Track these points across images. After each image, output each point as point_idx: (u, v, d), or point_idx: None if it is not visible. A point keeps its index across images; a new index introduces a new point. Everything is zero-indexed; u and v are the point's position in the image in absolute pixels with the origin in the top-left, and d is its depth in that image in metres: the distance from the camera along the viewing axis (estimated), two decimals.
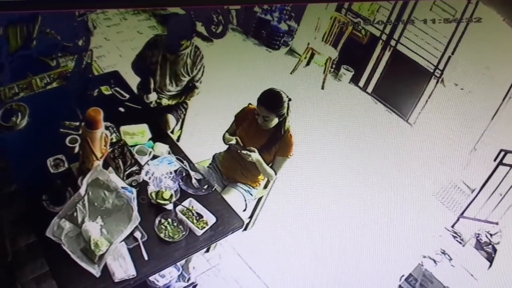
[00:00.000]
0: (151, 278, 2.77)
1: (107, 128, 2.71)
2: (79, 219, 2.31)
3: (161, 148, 2.90)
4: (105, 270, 2.24)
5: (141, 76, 3.40)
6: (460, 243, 3.93)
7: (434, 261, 3.51)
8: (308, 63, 5.52)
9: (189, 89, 3.45)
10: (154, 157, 2.83)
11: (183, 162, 2.87)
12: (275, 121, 2.83)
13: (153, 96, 3.31)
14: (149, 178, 2.69)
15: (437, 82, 5.00)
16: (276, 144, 2.90)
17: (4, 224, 2.72)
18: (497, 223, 4.06)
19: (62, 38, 3.65)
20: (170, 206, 2.60)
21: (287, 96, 2.82)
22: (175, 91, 3.42)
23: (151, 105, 3.31)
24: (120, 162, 2.59)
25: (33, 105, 2.92)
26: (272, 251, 3.45)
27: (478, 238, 3.96)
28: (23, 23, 3.36)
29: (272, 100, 2.79)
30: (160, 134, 3.03)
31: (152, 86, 3.31)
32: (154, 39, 3.33)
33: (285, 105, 2.81)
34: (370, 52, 5.36)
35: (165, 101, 3.39)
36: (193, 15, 3.93)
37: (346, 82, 5.49)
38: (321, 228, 3.71)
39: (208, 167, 3.09)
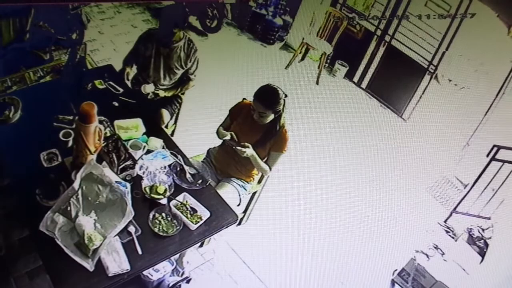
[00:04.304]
0: (145, 272, 2.78)
1: (101, 122, 2.69)
2: (73, 213, 2.30)
3: (155, 143, 2.89)
4: (99, 265, 2.23)
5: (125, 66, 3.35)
6: (453, 238, 3.96)
7: (427, 255, 3.53)
8: (303, 58, 5.53)
9: (184, 82, 3.45)
10: (148, 151, 2.82)
11: (177, 157, 2.86)
12: (271, 117, 2.81)
13: (150, 88, 3.28)
14: (143, 173, 2.68)
15: (431, 78, 5.02)
16: (271, 139, 2.89)
17: None
18: (489, 218, 4.10)
19: (55, 31, 3.62)
20: (164, 201, 2.59)
21: (284, 92, 2.80)
22: (169, 84, 3.41)
23: (149, 97, 3.29)
24: (114, 157, 2.58)
25: (26, 98, 2.89)
26: (266, 246, 3.46)
27: (471, 233, 4.00)
28: (16, 16, 3.33)
29: (269, 97, 2.76)
30: (154, 128, 3.01)
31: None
32: (147, 33, 3.32)
33: (282, 101, 2.79)
34: (364, 47, 5.38)
35: (162, 93, 3.37)
36: (184, 4, 3.88)
37: (341, 77, 5.50)
38: (315, 223, 3.72)
39: (202, 161, 3.08)
